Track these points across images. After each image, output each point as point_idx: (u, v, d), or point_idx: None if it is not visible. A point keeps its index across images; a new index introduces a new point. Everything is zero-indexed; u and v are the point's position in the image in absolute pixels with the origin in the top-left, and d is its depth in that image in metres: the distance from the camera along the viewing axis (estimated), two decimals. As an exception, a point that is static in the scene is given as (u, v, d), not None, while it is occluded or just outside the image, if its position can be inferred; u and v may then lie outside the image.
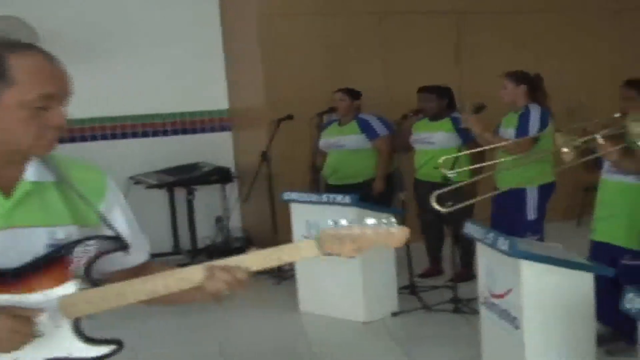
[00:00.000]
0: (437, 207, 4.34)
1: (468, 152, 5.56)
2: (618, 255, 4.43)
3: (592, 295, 3.90)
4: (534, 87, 5.49)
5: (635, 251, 4.26)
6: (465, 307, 5.47)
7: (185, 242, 7.69)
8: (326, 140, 6.62)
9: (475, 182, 5.57)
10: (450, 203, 4.47)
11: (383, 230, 1.85)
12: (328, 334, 5.40)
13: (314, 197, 5.70)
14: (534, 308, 3.86)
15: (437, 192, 4.37)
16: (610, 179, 4.45)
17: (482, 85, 6.55)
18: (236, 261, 1.85)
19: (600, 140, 4.02)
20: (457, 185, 4.89)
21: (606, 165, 4.42)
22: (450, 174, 5.12)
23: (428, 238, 6.60)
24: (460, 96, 6.62)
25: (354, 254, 1.87)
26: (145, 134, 7.89)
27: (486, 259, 4.23)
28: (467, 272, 5.96)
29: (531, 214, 5.44)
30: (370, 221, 1.86)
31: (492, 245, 4.00)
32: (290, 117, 6.72)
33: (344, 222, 1.86)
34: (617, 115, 4.37)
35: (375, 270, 5.54)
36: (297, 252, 1.94)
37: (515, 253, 3.80)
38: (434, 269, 6.58)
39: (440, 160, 5.27)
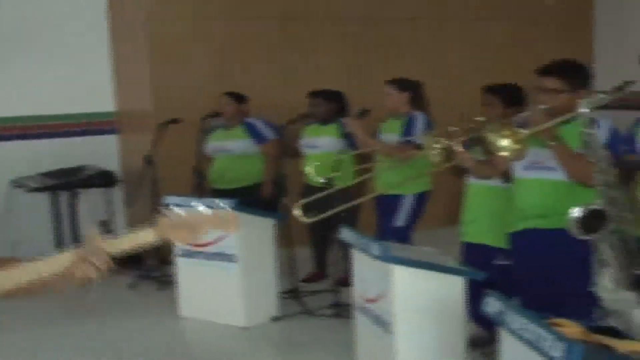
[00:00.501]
0: (301, 217, 4.38)
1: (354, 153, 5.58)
2: (490, 256, 4.53)
3: (463, 298, 3.95)
4: (417, 94, 5.55)
5: (506, 250, 4.34)
6: (346, 311, 5.48)
7: (68, 246, 7.43)
8: (212, 144, 6.54)
9: (362, 186, 5.62)
10: (315, 211, 4.48)
11: (214, 217, 2.13)
12: (208, 339, 5.34)
13: (194, 201, 5.61)
14: (405, 312, 3.89)
15: (303, 200, 4.39)
16: (475, 182, 4.55)
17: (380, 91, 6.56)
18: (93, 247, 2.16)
19: (457, 147, 4.10)
20: (329, 191, 4.94)
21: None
22: (323, 180, 5.16)
23: (313, 242, 6.59)
24: (357, 102, 6.63)
25: (188, 240, 2.19)
26: (29, 136, 7.64)
27: (360, 264, 4.25)
28: (350, 276, 5.96)
29: (402, 220, 5.50)
30: (204, 209, 2.15)
31: (365, 250, 4.01)
32: (175, 121, 6.63)
33: (179, 211, 2.17)
34: (480, 119, 4.44)
35: (255, 274, 5.51)
36: (136, 238, 2.23)
37: (386, 258, 3.82)
38: (319, 274, 6.58)
39: (313, 167, 5.29)
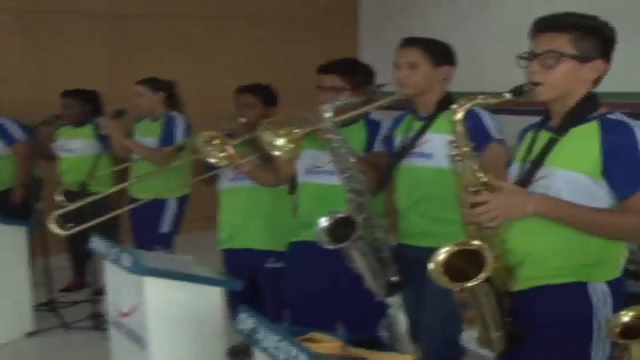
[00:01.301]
0: (57, 229, 4.10)
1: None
2: (260, 260, 4.41)
3: (221, 309, 3.81)
4: (171, 94, 5.35)
5: (278, 253, 4.24)
6: (105, 323, 5.19)
7: None
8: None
9: (122, 192, 5.34)
10: (71, 224, 4.21)
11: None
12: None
13: None
14: (160, 326, 3.68)
15: (58, 212, 4.09)
16: (242, 185, 4.36)
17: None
18: None
19: (230, 150, 3.92)
20: (89, 199, 4.66)
21: (231, 173, 4.36)
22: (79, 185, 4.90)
23: (71, 249, 6.23)
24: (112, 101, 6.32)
25: None
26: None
27: (112, 275, 4.00)
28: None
29: (166, 226, 5.30)
30: None
31: (116, 262, 3.77)
32: None
33: None
34: (242, 120, 4.32)
35: (6, 287, 5.11)
36: None
37: (137, 270, 3.60)
38: (77, 282, 6.24)
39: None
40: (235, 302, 3.80)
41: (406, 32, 3.57)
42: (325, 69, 3.64)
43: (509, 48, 2.65)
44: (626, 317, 2.13)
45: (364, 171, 3.31)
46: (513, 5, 6.47)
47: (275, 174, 4.00)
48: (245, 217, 4.45)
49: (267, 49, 8.33)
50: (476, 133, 3.24)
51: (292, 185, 4.06)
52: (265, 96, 4.54)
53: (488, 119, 3.23)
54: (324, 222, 3.20)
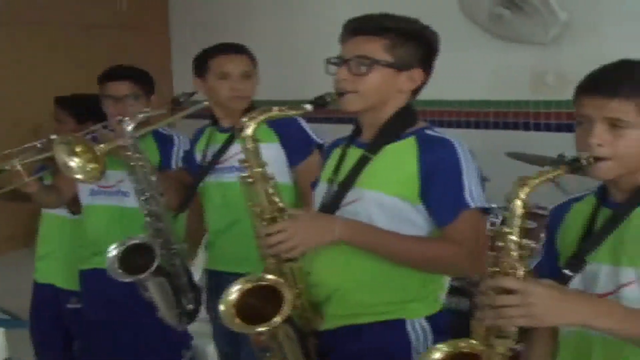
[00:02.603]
0: None
1: None
2: (64, 299, 3.85)
3: (3, 349, 3.31)
4: None
5: (79, 292, 3.72)
6: None
7: None
8: None
9: None
10: None
11: None
12: None
13: None
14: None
15: None
16: (47, 212, 3.84)
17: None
18: None
19: (17, 167, 3.36)
20: None
21: None
22: None
23: None
24: None
25: None
26: None
27: None
28: None
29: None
30: None
31: None
32: None
33: None
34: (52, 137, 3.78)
35: None
36: None
37: None
38: None
39: None
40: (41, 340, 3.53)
41: (220, 41, 3.19)
42: (115, 76, 3.22)
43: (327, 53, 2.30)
44: (438, 353, 1.80)
45: (163, 192, 2.93)
46: (330, 10, 6.21)
47: (57, 194, 3.48)
48: (49, 247, 3.90)
49: (84, 56, 7.75)
50: (299, 141, 2.89)
51: (73, 205, 3.56)
52: (77, 110, 4.07)
53: (305, 123, 2.97)
54: (114, 250, 2.82)
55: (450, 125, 5.26)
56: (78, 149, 2.88)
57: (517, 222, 1.63)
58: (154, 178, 2.90)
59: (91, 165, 2.88)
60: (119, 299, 3.21)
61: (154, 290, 2.96)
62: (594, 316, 1.59)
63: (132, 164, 2.87)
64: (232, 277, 2.82)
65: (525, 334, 1.79)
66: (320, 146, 2.92)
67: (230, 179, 2.94)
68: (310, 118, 2.56)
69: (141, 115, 2.90)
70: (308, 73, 5.81)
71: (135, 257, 2.84)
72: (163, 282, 2.96)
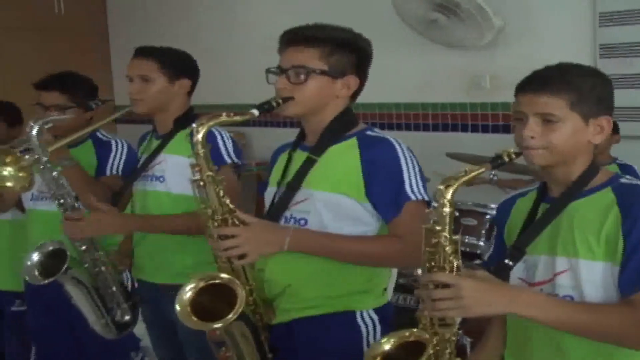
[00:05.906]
0: None
1: None
2: (7, 303, 3.88)
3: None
4: None
5: (23, 295, 3.72)
6: None
7: None
8: None
9: None
10: None
11: None
12: None
13: None
14: None
15: None
16: None
17: None
18: None
19: None
20: None
21: None
22: None
23: None
24: None
25: None
26: None
27: None
28: None
29: None
30: None
31: None
32: None
33: None
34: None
35: None
36: None
37: None
38: None
39: None
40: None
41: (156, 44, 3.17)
42: (44, 85, 3.20)
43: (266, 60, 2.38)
44: (387, 344, 1.91)
45: (78, 196, 2.91)
46: (264, 18, 6.26)
47: (1, 201, 3.51)
48: None
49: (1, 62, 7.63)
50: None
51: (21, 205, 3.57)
52: (8, 116, 4.06)
53: (223, 140, 2.87)
54: (33, 257, 2.88)
55: (390, 127, 5.38)
56: (8, 159, 2.89)
57: (447, 219, 1.75)
58: (62, 181, 2.87)
59: (20, 174, 2.90)
60: (60, 304, 3.20)
61: (78, 299, 2.98)
62: (515, 306, 1.75)
63: (39, 166, 2.85)
64: (153, 287, 2.96)
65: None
66: (235, 166, 2.87)
67: (149, 188, 2.96)
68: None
69: (47, 119, 2.89)
70: (240, 77, 5.90)
71: (55, 262, 2.88)
72: (85, 291, 2.96)
